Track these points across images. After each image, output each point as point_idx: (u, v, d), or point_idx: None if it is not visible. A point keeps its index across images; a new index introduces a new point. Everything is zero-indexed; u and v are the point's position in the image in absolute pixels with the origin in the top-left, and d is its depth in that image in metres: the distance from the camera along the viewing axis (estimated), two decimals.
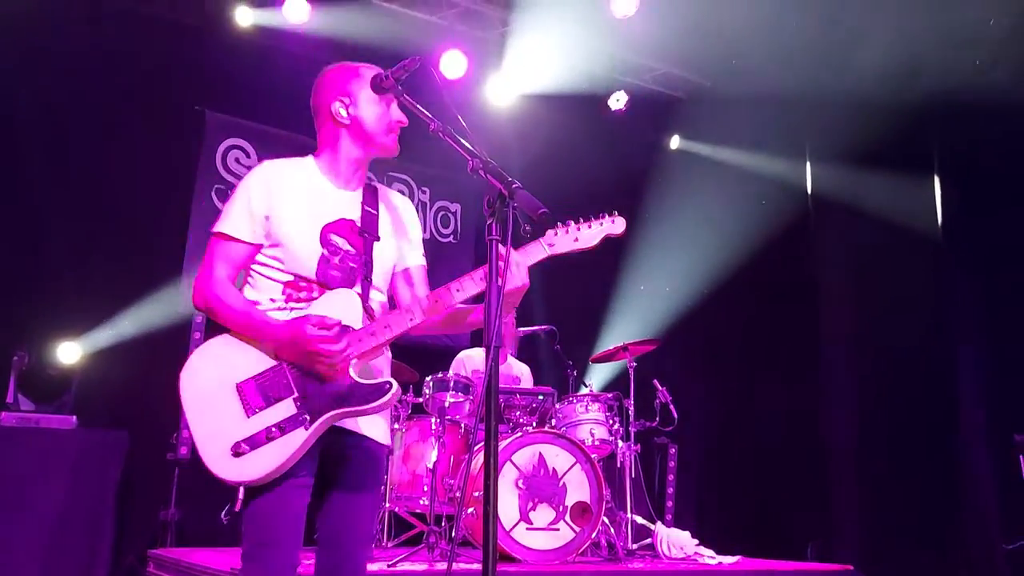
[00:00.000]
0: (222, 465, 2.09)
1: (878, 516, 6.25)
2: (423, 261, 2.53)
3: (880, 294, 6.53)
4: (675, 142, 8.50)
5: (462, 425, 5.24)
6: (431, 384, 5.22)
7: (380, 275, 2.38)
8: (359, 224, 2.36)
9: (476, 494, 4.69)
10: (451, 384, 5.19)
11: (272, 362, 2.19)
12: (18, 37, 5.54)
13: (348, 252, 2.32)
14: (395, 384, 2.18)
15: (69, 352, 5.37)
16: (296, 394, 2.16)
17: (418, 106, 2.23)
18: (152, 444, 5.44)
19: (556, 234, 2.34)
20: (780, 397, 6.91)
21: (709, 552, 5.21)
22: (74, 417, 4.98)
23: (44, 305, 5.50)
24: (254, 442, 2.11)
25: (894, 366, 6.29)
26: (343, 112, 2.35)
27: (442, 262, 7.32)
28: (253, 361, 2.20)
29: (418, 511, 5.25)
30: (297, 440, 2.12)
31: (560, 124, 7.63)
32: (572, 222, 2.36)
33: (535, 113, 7.60)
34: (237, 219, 2.28)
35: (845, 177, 6.90)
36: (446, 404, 5.12)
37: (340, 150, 2.39)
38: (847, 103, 6.36)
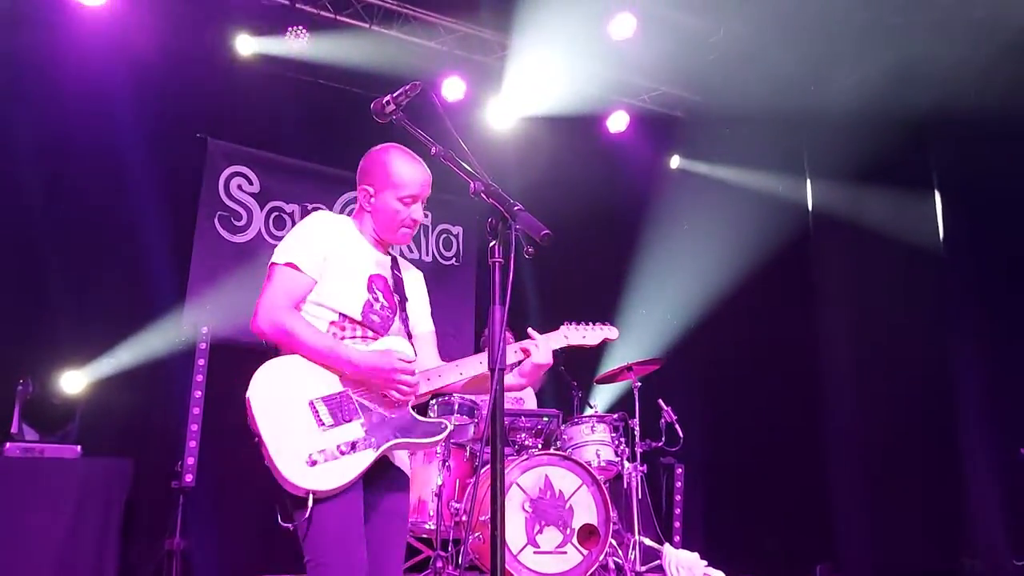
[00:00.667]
0: (297, 472, 2.22)
1: (885, 535, 6.20)
2: (432, 327, 2.80)
3: (883, 310, 6.52)
4: (675, 162, 8.52)
5: (468, 448, 5.22)
6: (436, 408, 5.21)
7: (412, 331, 2.64)
8: (391, 283, 2.62)
9: (483, 518, 4.66)
10: (456, 407, 5.18)
11: (339, 388, 2.38)
12: (18, 66, 5.59)
13: (384, 304, 2.55)
14: (450, 425, 2.50)
15: (73, 381, 5.37)
16: (363, 419, 2.37)
17: (419, 130, 2.25)
18: (157, 473, 5.42)
19: (570, 328, 2.77)
20: (785, 414, 6.88)
21: (718, 573, 5.18)
22: (78, 447, 4.96)
23: (47, 334, 5.50)
24: (327, 455, 2.26)
25: (897, 383, 6.27)
26: (368, 199, 2.59)
27: (445, 285, 7.32)
28: (322, 384, 2.37)
29: (424, 536, 5.21)
30: (365, 459, 2.31)
31: (560, 146, 7.66)
32: (578, 324, 2.80)
33: (535, 135, 7.63)
34: (303, 252, 2.45)
35: (845, 193, 6.91)
36: (451, 428, 5.10)
37: (364, 224, 2.63)
38: (844, 120, 6.38)
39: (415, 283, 2.78)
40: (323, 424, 2.30)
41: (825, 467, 6.71)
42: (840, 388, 6.79)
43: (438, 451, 5.03)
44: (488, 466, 1.99)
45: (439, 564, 4.58)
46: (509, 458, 4.89)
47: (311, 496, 2.21)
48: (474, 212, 7.51)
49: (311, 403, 2.32)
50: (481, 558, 4.76)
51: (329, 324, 2.46)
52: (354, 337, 2.47)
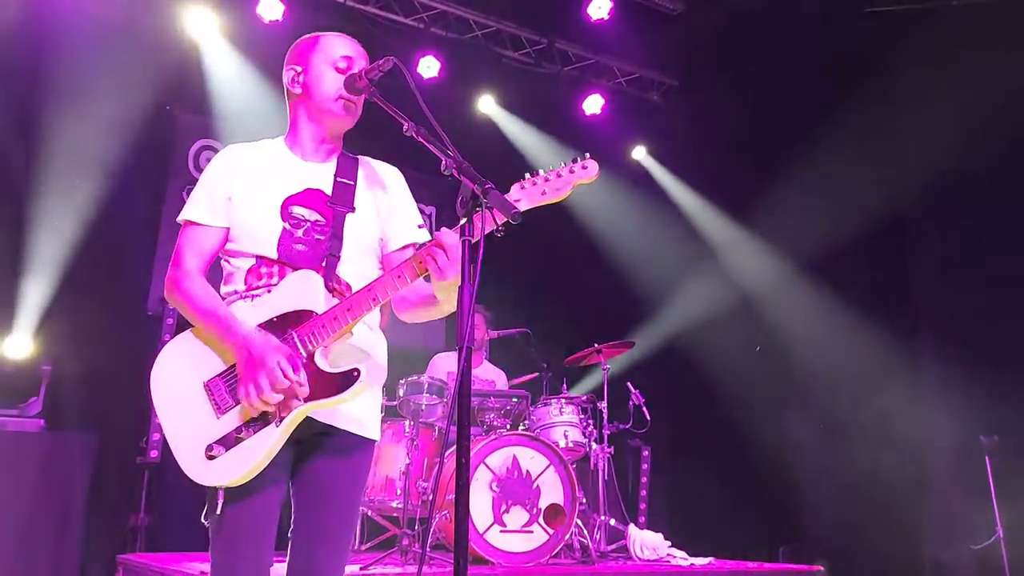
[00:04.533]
0: (196, 468, 2.02)
1: (847, 518, 6.30)
2: (427, 236, 2.30)
3: (846, 290, 6.58)
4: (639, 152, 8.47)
5: (436, 428, 5.22)
6: (405, 387, 5.20)
7: (355, 250, 2.24)
8: (329, 195, 2.25)
9: (449, 497, 4.68)
10: (425, 387, 5.18)
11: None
12: None
13: (316, 223, 2.20)
14: (364, 371, 2.03)
15: (22, 348, 5.30)
16: None
17: (391, 106, 2.20)
18: (122, 448, 5.37)
19: (523, 188, 2.14)
20: (750, 397, 6.95)
21: (681, 554, 5.24)
22: (42, 421, 4.91)
23: (8, 306, 5.41)
24: (226, 443, 2.02)
25: (860, 370, 6.34)
26: (295, 80, 2.31)
27: None
28: (220, 357, 2.10)
29: (391, 514, 5.22)
30: (269, 439, 2.01)
31: (536, 126, 7.67)
32: (540, 172, 2.15)
33: (510, 115, 7.63)
34: (198, 203, 2.22)
35: None
36: (421, 407, 5.11)
37: (299, 125, 2.33)
38: None
39: (384, 185, 2.36)
40: (221, 408, 2.04)
41: (789, 451, 6.79)
42: (806, 371, 6.85)
43: (406, 430, 5.03)
44: (454, 445, 1.94)
45: (405, 542, 4.59)
46: (478, 438, 4.91)
47: (221, 492, 2.03)
48: (447, 191, 7.47)
49: (206, 385, 2.07)
50: (447, 537, 4.78)
51: (246, 273, 2.17)
52: (270, 285, 2.14)
